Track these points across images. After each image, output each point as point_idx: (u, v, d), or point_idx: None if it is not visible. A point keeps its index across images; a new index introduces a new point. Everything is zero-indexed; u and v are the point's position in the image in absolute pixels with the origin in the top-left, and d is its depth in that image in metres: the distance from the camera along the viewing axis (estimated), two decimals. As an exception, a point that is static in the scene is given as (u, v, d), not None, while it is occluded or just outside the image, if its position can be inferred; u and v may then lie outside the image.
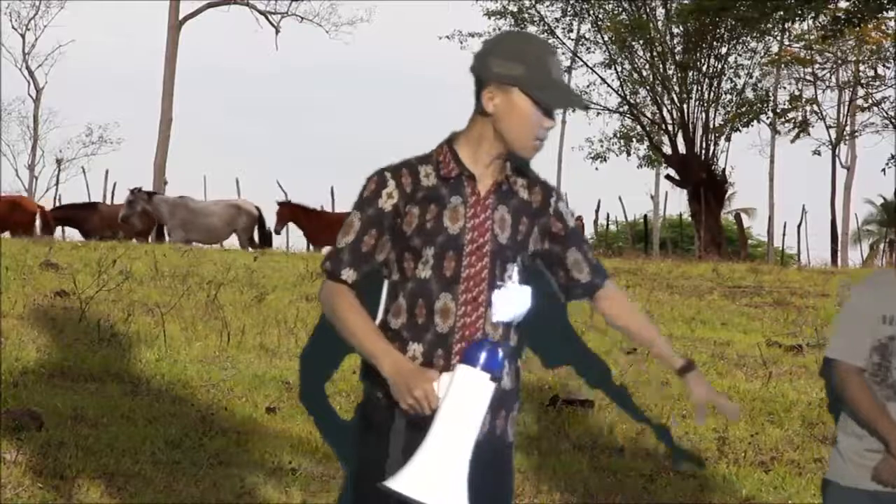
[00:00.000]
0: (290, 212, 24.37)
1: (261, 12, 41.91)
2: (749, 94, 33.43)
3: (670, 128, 32.65)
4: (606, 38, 33.49)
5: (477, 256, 3.43)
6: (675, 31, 32.77)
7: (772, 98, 34.90)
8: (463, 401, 3.26)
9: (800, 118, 34.51)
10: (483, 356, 3.27)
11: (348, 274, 3.46)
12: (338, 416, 3.85)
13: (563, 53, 34.60)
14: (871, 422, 4.09)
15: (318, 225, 24.06)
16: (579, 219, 27.78)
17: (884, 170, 32.54)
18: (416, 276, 3.43)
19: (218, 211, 23.30)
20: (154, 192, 23.78)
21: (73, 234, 25.93)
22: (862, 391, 4.12)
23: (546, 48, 3.54)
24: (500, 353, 3.31)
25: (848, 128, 38.26)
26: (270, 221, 24.37)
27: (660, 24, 32.91)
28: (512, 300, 3.42)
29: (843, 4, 27.87)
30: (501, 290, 3.42)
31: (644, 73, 33.20)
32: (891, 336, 4.15)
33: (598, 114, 34.42)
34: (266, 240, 23.74)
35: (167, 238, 22.97)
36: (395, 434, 3.36)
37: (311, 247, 24.45)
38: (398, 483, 3.20)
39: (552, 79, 3.46)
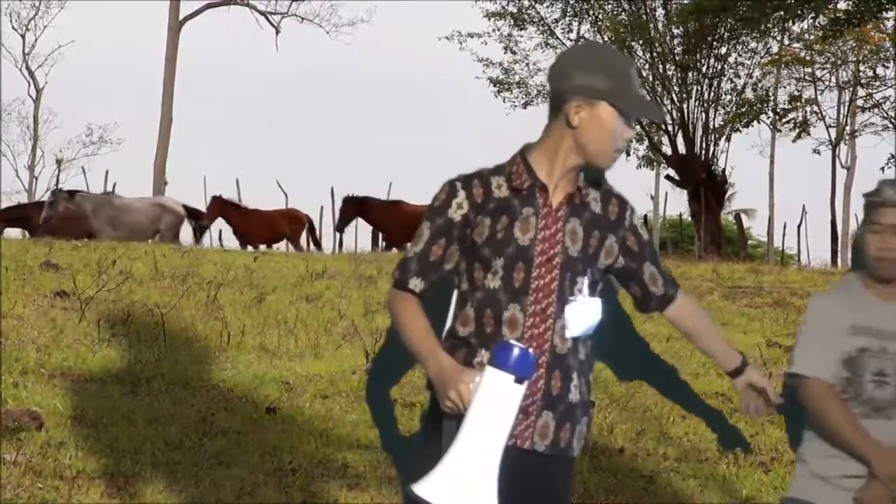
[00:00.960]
0: (219, 207, 24.56)
1: (261, 13, 41.91)
2: (749, 94, 33.42)
3: (670, 128, 32.63)
4: (606, 39, 33.49)
5: (547, 268, 3.45)
6: (675, 31, 32.76)
7: (772, 98, 34.88)
8: (489, 403, 3.22)
9: (800, 118, 34.50)
10: (511, 358, 3.22)
11: (415, 283, 3.50)
12: (397, 427, 3.92)
13: (563, 54, 34.57)
14: (850, 442, 3.80)
15: (246, 222, 24.17)
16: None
17: (882, 169, 32.52)
18: (485, 286, 3.46)
19: (143, 208, 23.44)
20: (76, 190, 23.80)
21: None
22: (838, 409, 3.83)
23: (627, 61, 3.58)
24: (531, 356, 3.27)
25: (848, 128, 38.26)
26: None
27: (660, 24, 32.91)
28: (581, 313, 3.44)
29: (842, 5, 27.88)
30: (571, 302, 3.43)
31: (644, 74, 33.17)
32: (861, 348, 3.89)
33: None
34: (199, 234, 23.85)
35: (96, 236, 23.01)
36: (446, 439, 3.33)
37: (243, 244, 24.44)
38: (423, 489, 3.16)
39: (635, 91, 3.50)
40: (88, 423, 7.18)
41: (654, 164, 35.39)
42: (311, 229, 25.64)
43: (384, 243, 24.74)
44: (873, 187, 3.94)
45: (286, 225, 25.17)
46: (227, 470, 6.58)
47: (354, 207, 24.63)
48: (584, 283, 3.46)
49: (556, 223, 3.48)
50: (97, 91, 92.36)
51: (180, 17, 39.79)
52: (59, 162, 55.24)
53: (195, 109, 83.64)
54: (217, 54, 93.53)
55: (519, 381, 3.22)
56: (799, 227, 33.37)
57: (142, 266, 13.86)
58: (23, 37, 55.50)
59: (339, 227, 25.08)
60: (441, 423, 3.34)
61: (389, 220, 24.01)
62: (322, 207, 30.83)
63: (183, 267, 14.06)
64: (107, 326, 9.83)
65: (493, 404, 3.21)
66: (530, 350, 3.31)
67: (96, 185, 31.02)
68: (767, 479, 7.23)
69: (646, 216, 41.37)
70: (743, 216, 41.47)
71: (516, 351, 3.24)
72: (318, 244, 25.50)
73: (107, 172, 32.93)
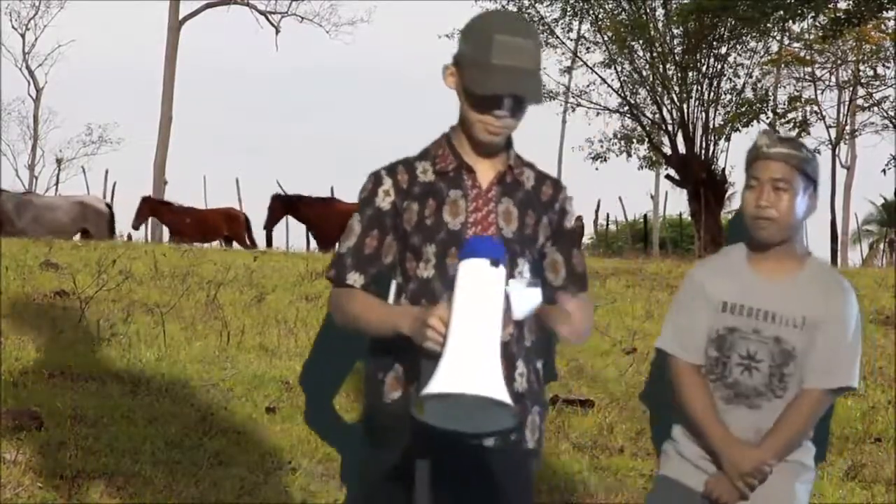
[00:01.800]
0: (150, 207, 24.58)
1: (261, 12, 41.97)
2: (749, 93, 33.45)
3: (670, 128, 32.65)
4: (606, 38, 33.49)
5: None
6: (675, 31, 32.76)
7: (771, 98, 34.90)
8: (472, 293, 2.98)
9: (799, 118, 34.52)
10: (478, 245, 3.05)
11: (354, 278, 3.28)
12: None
13: (563, 53, 34.63)
14: (705, 432, 3.55)
15: (180, 220, 24.17)
16: (579, 219, 27.75)
17: (884, 170, 32.54)
18: (419, 276, 3.26)
19: (64, 207, 23.49)
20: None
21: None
22: (698, 394, 3.56)
23: (502, 25, 3.21)
24: (496, 241, 3.12)
25: (848, 127, 38.26)
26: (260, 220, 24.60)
27: (660, 24, 32.93)
28: (521, 296, 3.16)
29: (842, 4, 27.89)
30: (521, 289, 3.16)
31: (644, 73, 33.20)
32: (731, 327, 3.57)
33: (598, 114, 34.47)
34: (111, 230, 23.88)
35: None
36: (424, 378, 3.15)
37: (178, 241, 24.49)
38: (434, 387, 2.89)
39: (490, 61, 3.17)
40: (88, 422, 7.18)
41: (655, 163, 35.41)
42: (249, 227, 25.52)
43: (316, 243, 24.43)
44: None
45: (223, 223, 25.09)
46: (227, 469, 6.57)
47: (284, 206, 24.39)
48: (525, 265, 3.18)
49: (487, 204, 3.27)
50: (97, 91, 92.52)
51: (180, 17, 39.83)
52: (59, 161, 55.34)
53: (195, 109, 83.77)
54: (217, 54, 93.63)
55: (494, 264, 3.01)
56: (799, 226, 33.30)
57: (141, 265, 13.86)
58: (23, 36, 55.66)
59: (267, 226, 24.78)
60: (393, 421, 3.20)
61: (322, 218, 23.65)
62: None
63: (183, 266, 14.05)
64: (106, 326, 9.83)
65: (477, 292, 2.98)
66: (493, 239, 3.14)
67: (96, 185, 31.04)
68: (767, 478, 7.22)
69: (646, 216, 41.39)
70: (743, 216, 41.38)
71: (481, 239, 3.12)
72: (253, 243, 25.26)
73: (106, 172, 33.00)
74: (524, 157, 3.41)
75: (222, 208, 27.05)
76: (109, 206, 23.96)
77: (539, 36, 3.45)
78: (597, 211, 34.54)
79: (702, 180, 31.39)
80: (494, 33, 3.18)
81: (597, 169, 33.32)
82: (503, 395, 2.88)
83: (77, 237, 22.53)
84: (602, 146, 34.67)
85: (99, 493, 6.06)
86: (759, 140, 3.60)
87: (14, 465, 6.27)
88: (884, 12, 28.27)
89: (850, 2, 27.13)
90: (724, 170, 32.74)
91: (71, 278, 11.67)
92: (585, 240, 34.74)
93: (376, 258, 3.30)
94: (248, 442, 7.07)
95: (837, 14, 27.23)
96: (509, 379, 3.17)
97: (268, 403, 7.97)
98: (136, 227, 25.11)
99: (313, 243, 29.25)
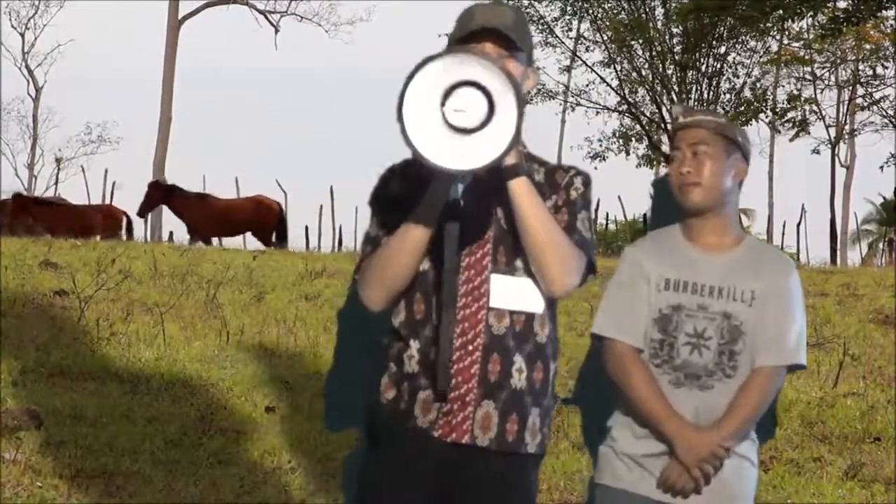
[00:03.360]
0: (20, 205, 24.55)
1: (260, 11, 41.92)
2: (748, 93, 33.47)
3: (669, 127, 32.65)
4: (605, 38, 33.50)
5: (479, 244, 3.15)
6: (675, 30, 32.78)
7: (771, 97, 34.92)
8: None
9: (799, 117, 34.54)
10: None
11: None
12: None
13: (562, 52, 34.65)
14: (653, 418, 3.32)
15: (54, 216, 24.16)
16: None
17: (882, 167, 32.55)
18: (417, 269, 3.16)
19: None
20: None
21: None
22: (642, 378, 3.35)
23: (485, 4, 3.20)
24: None
25: (847, 127, 38.26)
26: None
27: (659, 23, 32.94)
28: (518, 290, 3.13)
29: (841, 4, 27.88)
30: (505, 278, 3.13)
31: (643, 73, 33.22)
32: (675, 305, 3.37)
33: (598, 113, 34.50)
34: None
35: None
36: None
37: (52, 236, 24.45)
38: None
39: (470, 25, 3.17)
40: (88, 421, 7.18)
41: (654, 163, 35.40)
42: (129, 226, 25.42)
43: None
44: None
45: (99, 220, 25.02)
46: (227, 469, 6.58)
47: (160, 194, 24.39)
48: (520, 259, 3.11)
49: (487, 195, 3.15)
50: (96, 90, 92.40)
51: (179, 16, 39.80)
52: (58, 161, 55.31)
53: (195, 109, 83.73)
54: (216, 53, 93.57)
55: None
56: (798, 225, 33.38)
57: (141, 265, 13.86)
58: (22, 36, 55.58)
59: (141, 212, 24.71)
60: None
61: (195, 212, 23.76)
62: (321, 207, 30.88)
63: (182, 266, 14.05)
64: (106, 325, 9.83)
65: None
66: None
67: (96, 184, 31.03)
68: (767, 477, 7.22)
69: (645, 215, 41.37)
70: (743, 216, 41.50)
71: None
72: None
73: (106, 171, 32.97)
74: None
75: (102, 205, 26.56)
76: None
77: (524, 14, 3.40)
78: (596, 210, 34.50)
79: (701, 180, 31.42)
80: (476, 8, 3.20)
81: (596, 168, 33.34)
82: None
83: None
84: (601, 145, 34.72)
85: (98, 492, 6.06)
86: (675, 111, 3.52)
87: (14, 465, 6.27)
88: (883, 11, 28.26)
89: (850, 1, 27.13)
90: (723, 169, 32.76)
91: (70, 278, 11.67)
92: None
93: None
94: (247, 441, 7.07)
95: (836, 13, 27.22)
96: (504, 373, 3.14)
97: (267, 403, 7.97)
98: (141, 215, 24.93)
99: (313, 242, 29.28)
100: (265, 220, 23.95)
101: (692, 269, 3.39)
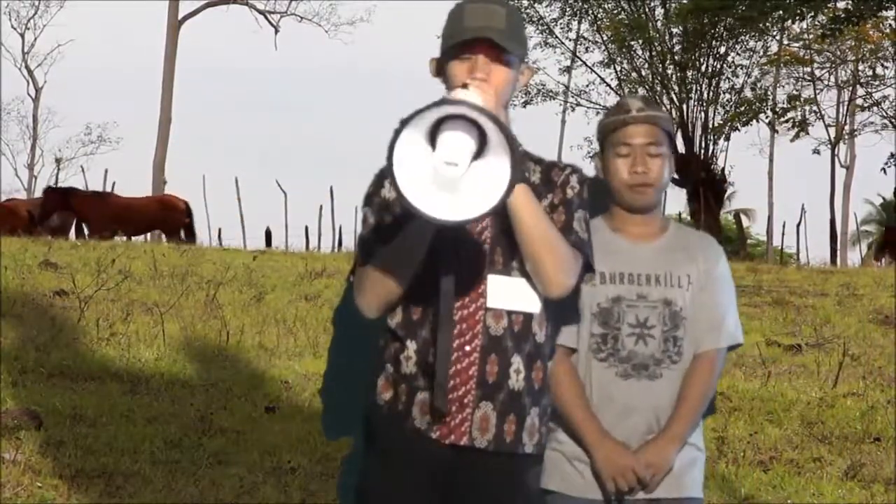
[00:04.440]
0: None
1: (260, 11, 41.94)
2: (748, 93, 33.48)
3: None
4: (605, 38, 33.51)
5: (475, 245, 3.11)
6: (674, 30, 32.79)
7: (771, 97, 34.93)
8: None
9: (799, 118, 34.54)
10: None
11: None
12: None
13: (562, 53, 34.66)
14: (576, 427, 3.30)
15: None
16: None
17: (883, 169, 32.54)
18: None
19: None
20: None
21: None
22: (568, 384, 3.29)
23: (476, 2, 3.15)
24: None
25: (847, 127, 38.27)
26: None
27: (659, 23, 32.94)
28: (515, 290, 3.10)
29: (841, 4, 27.87)
30: (502, 279, 3.10)
31: (643, 73, 33.22)
32: (615, 297, 3.33)
33: (598, 113, 34.45)
34: None
35: None
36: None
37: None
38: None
39: (462, 25, 3.14)
40: (87, 422, 7.18)
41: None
42: (32, 223, 25.39)
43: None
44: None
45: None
46: (227, 469, 6.57)
47: (58, 197, 24.48)
48: (516, 259, 3.09)
49: None
50: (96, 90, 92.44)
51: (179, 16, 39.82)
52: (58, 161, 55.29)
53: (194, 109, 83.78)
54: (216, 53, 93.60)
55: None
56: (798, 226, 33.36)
57: (141, 265, 13.86)
58: (22, 36, 55.57)
59: (40, 220, 24.77)
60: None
61: (96, 211, 23.89)
62: (321, 207, 30.88)
63: (182, 266, 14.06)
64: (106, 325, 9.83)
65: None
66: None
67: (96, 184, 31.03)
68: (767, 478, 7.22)
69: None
70: (742, 217, 41.49)
71: None
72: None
73: (106, 171, 32.97)
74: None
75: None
76: None
77: (515, 8, 3.37)
78: (596, 210, 34.58)
79: (701, 180, 31.42)
80: (466, 8, 3.16)
81: (596, 168, 33.30)
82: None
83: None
84: (601, 145, 34.69)
85: (98, 492, 6.06)
86: (629, 104, 3.41)
87: (14, 465, 6.27)
88: (883, 11, 28.26)
89: (849, 1, 27.12)
90: (723, 169, 32.78)
91: (70, 278, 11.67)
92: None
93: (395, 236, 3.14)
94: (247, 441, 7.07)
95: (836, 13, 27.21)
96: (502, 374, 3.12)
97: (267, 403, 7.97)
98: (40, 222, 24.73)
99: (313, 242, 29.29)
100: (171, 219, 24.36)
101: (626, 260, 3.36)
